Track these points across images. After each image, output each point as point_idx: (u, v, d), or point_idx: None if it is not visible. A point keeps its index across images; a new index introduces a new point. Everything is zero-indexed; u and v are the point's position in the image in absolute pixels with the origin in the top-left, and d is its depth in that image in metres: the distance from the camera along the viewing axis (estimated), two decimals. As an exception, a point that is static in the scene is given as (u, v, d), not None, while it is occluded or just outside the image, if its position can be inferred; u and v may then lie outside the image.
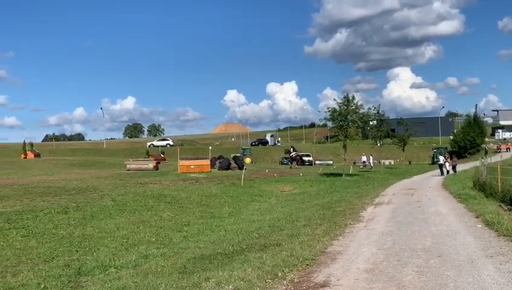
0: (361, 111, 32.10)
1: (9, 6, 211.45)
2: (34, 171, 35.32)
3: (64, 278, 7.03)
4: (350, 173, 34.94)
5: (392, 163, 59.45)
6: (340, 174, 32.43)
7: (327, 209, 13.83)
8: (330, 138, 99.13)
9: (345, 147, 32.90)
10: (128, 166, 39.18)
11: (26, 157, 57.96)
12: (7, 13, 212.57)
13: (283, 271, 6.46)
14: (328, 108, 32.08)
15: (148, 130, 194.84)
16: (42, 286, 6.63)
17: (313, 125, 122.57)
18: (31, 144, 68.08)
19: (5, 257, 8.73)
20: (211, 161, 38.62)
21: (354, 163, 51.49)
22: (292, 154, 51.22)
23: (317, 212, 13.42)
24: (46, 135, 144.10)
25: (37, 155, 60.28)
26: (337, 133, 42.93)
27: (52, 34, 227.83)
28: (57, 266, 7.99)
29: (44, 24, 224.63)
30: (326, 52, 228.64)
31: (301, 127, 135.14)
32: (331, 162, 59.67)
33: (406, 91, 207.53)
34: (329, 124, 36.64)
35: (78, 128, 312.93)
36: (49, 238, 10.49)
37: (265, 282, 5.98)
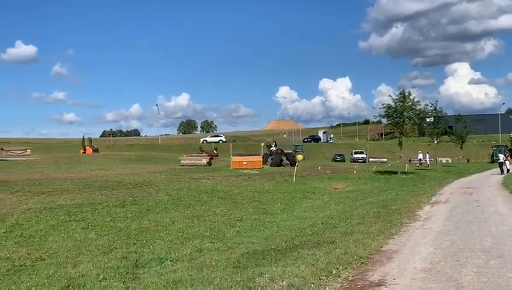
0: (418, 107, 31.25)
1: (68, 5, 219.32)
2: (92, 166, 36.47)
3: (122, 270, 7.22)
4: (405, 171, 34.18)
5: (450, 161, 57.71)
6: (395, 172, 31.78)
7: (382, 208, 13.59)
8: (385, 135, 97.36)
9: (400, 144, 32.22)
10: (182, 161, 39.82)
11: (85, 152, 59.83)
12: (67, 12, 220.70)
13: (337, 269, 6.40)
14: (383, 104, 31.49)
15: (201, 127, 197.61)
16: (101, 277, 6.83)
17: (367, 122, 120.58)
18: (90, 140, 70.15)
19: (65, 248, 9.05)
20: (263, 157, 38.72)
21: (410, 161, 50.28)
22: (273, 148, 51.71)
23: (371, 210, 13.21)
24: (104, 131, 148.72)
25: (96, 150, 62.10)
26: (392, 130, 42.14)
27: (110, 32, 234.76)
28: (115, 258, 8.20)
29: (102, 22, 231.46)
30: (381, 48, 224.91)
31: (354, 123, 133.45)
32: (385, 159, 58.51)
33: (464, 87, 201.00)
34: (384, 120, 35.92)
35: (134, 125, 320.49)
36: (107, 231, 10.81)
37: (320, 279, 5.94)
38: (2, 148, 58.74)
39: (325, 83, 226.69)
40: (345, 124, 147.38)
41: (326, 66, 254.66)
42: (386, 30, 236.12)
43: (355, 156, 61.46)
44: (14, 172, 28.48)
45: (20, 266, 7.66)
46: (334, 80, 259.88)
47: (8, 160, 42.35)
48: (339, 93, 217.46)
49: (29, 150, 59.88)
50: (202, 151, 60.06)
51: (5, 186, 19.78)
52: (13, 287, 6.39)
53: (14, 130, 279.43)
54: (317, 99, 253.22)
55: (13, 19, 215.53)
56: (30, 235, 10.05)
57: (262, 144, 41.87)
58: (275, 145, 54.70)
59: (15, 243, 9.41)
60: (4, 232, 10.23)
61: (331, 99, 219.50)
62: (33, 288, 6.34)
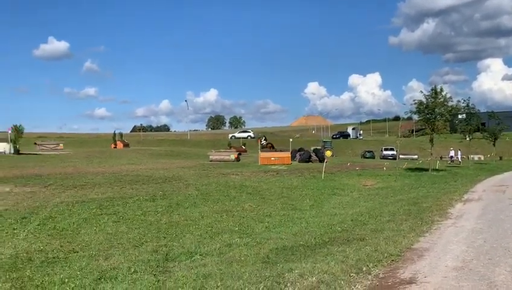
0: (450, 104, 30.68)
1: (99, 2, 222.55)
2: (123, 161, 37.00)
3: (152, 263, 7.30)
4: (437, 168, 33.64)
5: (482, 158, 56.60)
6: (425, 169, 31.32)
7: (412, 205, 13.42)
8: (416, 131, 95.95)
9: (431, 141, 31.68)
10: (211, 157, 40.08)
11: (116, 147, 60.70)
12: (98, 9, 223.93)
13: (367, 266, 6.34)
14: (414, 100, 30.99)
15: (229, 122, 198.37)
16: (132, 269, 6.91)
17: (397, 118, 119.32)
18: (121, 135, 71.18)
19: (97, 241, 9.19)
20: (291, 153, 38.64)
21: (441, 158, 49.44)
22: (263, 142, 55.14)
23: (402, 207, 13.05)
24: (134, 126, 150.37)
25: (126, 145, 62.95)
26: (423, 127, 41.54)
27: (140, 28, 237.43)
28: (145, 251, 8.30)
29: (132, 19, 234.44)
30: (412, 43, 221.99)
31: (385, 120, 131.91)
32: (416, 156, 57.63)
33: (497, 83, 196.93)
34: (415, 117, 35.39)
35: (163, 120, 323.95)
36: (138, 224, 10.94)
37: (350, 276, 5.90)
38: (35, 143, 60.07)
39: (354, 79, 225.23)
40: (374, 120, 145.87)
41: (355, 61, 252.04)
42: (417, 25, 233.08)
43: (385, 152, 60.78)
44: (47, 166, 29.11)
45: (54, 258, 7.81)
46: (364, 76, 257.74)
47: (41, 154, 43.30)
48: (369, 89, 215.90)
49: (61, 145, 61.12)
50: (231, 146, 60.23)
51: (39, 179, 20.25)
52: (47, 279, 6.52)
53: (47, 125, 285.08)
54: (346, 95, 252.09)
55: (46, 15, 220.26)
56: (63, 228, 10.24)
57: (291, 139, 41.71)
58: (265, 139, 59.13)
59: (48, 235, 9.59)
60: (38, 225, 10.44)
61: (360, 95, 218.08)
62: (66, 280, 6.45)
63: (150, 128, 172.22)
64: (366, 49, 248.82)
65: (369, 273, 6.04)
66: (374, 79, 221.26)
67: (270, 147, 56.49)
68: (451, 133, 48.26)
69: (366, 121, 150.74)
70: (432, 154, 33.46)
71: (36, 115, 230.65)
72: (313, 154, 40.77)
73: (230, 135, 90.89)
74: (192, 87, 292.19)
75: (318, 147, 51.13)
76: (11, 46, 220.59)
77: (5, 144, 40.81)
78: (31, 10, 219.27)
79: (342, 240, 8.63)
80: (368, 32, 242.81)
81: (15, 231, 9.82)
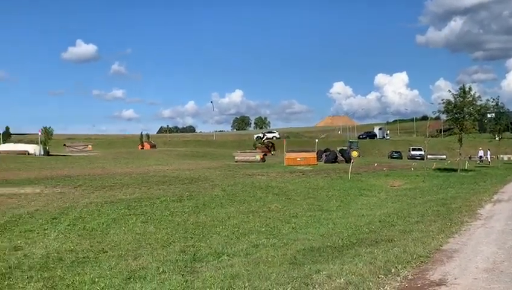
0: (479, 103, 30.14)
1: (126, 5, 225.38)
2: (150, 161, 37.41)
3: (180, 263, 7.35)
4: (466, 168, 33.11)
5: (512, 158, 55.58)
6: (454, 170, 30.84)
7: (441, 206, 13.22)
8: (444, 131, 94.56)
9: (460, 140, 31.20)
10: (236, 157, 40.25)
11: (143, 148, 61.52)
12: (126, 12, 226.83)
13: (396, 267, 6.27)
14: (442, 100, 30.54)
15: (254, 123, 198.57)
16: (161, 269, 6.97)
17: (424, 118, 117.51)
18: (148, 136, 72.16)
19: (126, 241, 9.29)
20: (317, 153, 38.50)
21: (470, 158, 48.68)
22: (264, 139, 58.65)
23: (430, 208, 12.88)
24: (161, 127, 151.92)
25: (153, 146, 63.71)
26: (451, 126, 40.91)
27: (166, 30, 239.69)
28: (173, 251, 8.36)
29: (158, 21, 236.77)
30: (439, 41, 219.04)
31: (412, 120, 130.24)
32: (444, 156, 56.87)
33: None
34: (443, 116, 34.88)
35: (189, 121, 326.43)
36: (165, 225, 11.03)
37: (378, 277, 5.84)
38: (65, 144, 61.20)
39: (380, 78, 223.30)
40: (401, 120, 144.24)
41: (382, 60, 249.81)
42: (444, 23, 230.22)
43: (413, 153, 60.18)
44: (76, 167, 29.64)
45: (84, 258, 7.92)
46: (391, 75, 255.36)
47: (70, 155, 44.07)
48: (396, 89, 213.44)
49: (90, 146, 62.14)
50: (256, 147, 60.34)
51: (68, 180, 20.61)
52: (77, 278, 6.62)
53: (76, 126, 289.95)
54: (372, 95, 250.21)
55: (74, 18, 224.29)
56: (92, 228, 10.39)
57: (317, 140, 41.56)
58: (267, 138, 61.59)
59: (78, 235, 9.75)
60: (68, 225, 10.62)
61: (387, 95, 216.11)
62: (96, 279, 6.54)
63: (176, 130, 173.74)
64: (393, 48, 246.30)
65: (398, 275, 5.97)
66: (400, 78, 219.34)
67: (271, 146, 58.51)
68: (480, 132, 47.46)
69: (393, 121, 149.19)
70: (460, 154, 32.97)
71: (65, 116, 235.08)
72: (339, 155, 40.59)
73: (255, 136, 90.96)
74: (217, 88, 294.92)
75: (344, 148, 50.90)
76: (41, 50, 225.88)
77: (36, 145, 41.72)
78: (59, 14, 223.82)
79: (369, 241, 8.55)
80: (394, 31, 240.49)
81: (46, 232, 10.00)
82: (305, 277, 6.00)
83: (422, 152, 56.47)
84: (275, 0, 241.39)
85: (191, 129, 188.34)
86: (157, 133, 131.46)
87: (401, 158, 60.10)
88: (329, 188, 19.58)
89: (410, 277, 5.94)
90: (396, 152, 64.27)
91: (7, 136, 68.91)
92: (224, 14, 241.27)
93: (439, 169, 32.38)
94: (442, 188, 19.94)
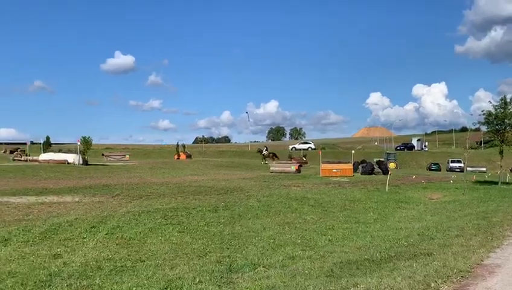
0: (521, 114, 29.28)
1: (163, 17, 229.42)
2: (185, 171, 37.75)
3: (216, 274, 7.34)
4: (507, 181, 32.16)
5: (556, 171, 53.71)
6: (495, 182, 30.01)
7: (482, 219, 12.85)
8: (484, 143, 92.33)
9: (501, 153, 30.36)
10: (271, 168, 40.18)
11: (179, 158, 62.07)
12: (162, 24, 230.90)
13: (436, 282, 6.11)
14: (482, 111, 29.83)
15: (290, 134, 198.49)
16: (197, 280, 6.98)
17: (464, 129, 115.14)
18: (184, 146, 72.74)
19: (163, 251, 9.35)
20: (353, 165, 38.12)
21: (511, 170, 47.29)
22: (264, 152, 58.77)
23: (470, 222, 12.53)
24: (196, 138, 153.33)
25: (189, 156, 64.22)
26: (492, 138, 39.89)
27: (201, 42, 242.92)
28: (209, 262, 8.36)
29: (194, 33, 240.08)
30: (479, 51, 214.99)
31: (451, 131, 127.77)
32: (484, 169, 55.49)
33: None
34: (484, 128, 34.04)
35: (224, 131, 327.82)
36: (201, 235, 11.06)
37: (417, 292, 5.71)
38: (103, 154, 62.39)
39: (418, 89, 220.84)
40: (440, 132, 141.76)
41: (420, 71, 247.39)
42: (484, 33, 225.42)
43: (452, 165, 59.01)
44: (114, 176, 30.14)
45: (121, 266, 8.00)
46: (429, 85, 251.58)
47: (108, 165, 44.88)
48: (434, 99, 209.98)
49: (127, 156, 63.15)
50: (291, 158, 60.15)
51: (106, 190, 20.98)
52: (116, 287, 6.69)
53: (114, 136, 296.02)
54: (410, 106, 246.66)
55: (113, 30, 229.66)
56: (130, 237, 10.51)
57: (353, 151, 41.16)
58: (266, 150, 60.98)
59: (116, 244, 9.87)
60: (106, 234, 10.77)
61: (425, 106, 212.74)
62: (134, 288, 6.59)
63: (211, 140, 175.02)
64: (431, 58, 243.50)
65: (438, 290, 5.83)
66: (439, 89, 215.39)
67: (273, 157, 58.37)
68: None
69: (432, 132, 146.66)
70: (501, 166, 32.07)
71: (103, 127, 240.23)
72: (376, 167, 40.03)
73: (290, 146, 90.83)
74: (252, 99, 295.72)
75: (381, 159, 50.23)
76: (80, 61, 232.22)
77: (75, 155, 42.57)
78: (98, 26, 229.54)
79: (408, 254, 8.37)
80: (432, 40, 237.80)
81: (85, 240, 10.17)
82: (343, 290, 5.91)
83: (461, 164, 55.23)
84: (311, 10, 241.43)
85: (226, 139, 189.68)
86: (192, 143, 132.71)
87: (440, 170, 59.00)
88: (366, 200, 19.31)
89: (450, 292, 5.79)
90: (435, 164, 63.16)
91: (47, 146, 70.73)
92: (258, 24, 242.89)
93: (479, 182, 31.57)
94: (482, 201, 19.40)
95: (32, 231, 10.89)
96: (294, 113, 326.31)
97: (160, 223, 12.31)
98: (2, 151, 67.00)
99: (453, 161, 61.23)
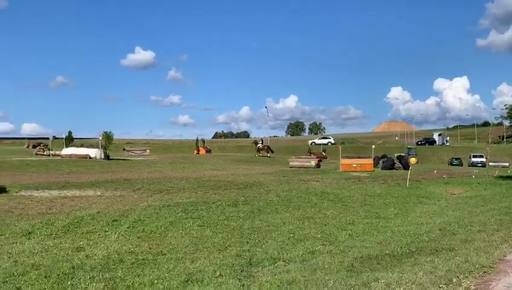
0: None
1: (182, 13, 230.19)
2: (205, 166, 37.92)
3: (237, 267, 7.38)
4: (530, 176, 31.65)
5: None
6: (518, 177, 29.57)
7: (505, 215, 12.67)
8: (506, 137, 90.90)
9: (524, 147, 29.91)
10: (291, 163, 40.14)
11: (198, 153, 62.38)
12: (181, 19, 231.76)
13: (458, 277, 6.05)
14: (504, 105, 29.56)
15: (309, 129, 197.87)
16: (218, 273, 7.03)
17: (486, 124, 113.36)
18: (203, 141, 73.03)
19: (184, 244, 9.42)
20: (373, 160, 37.87)
21: (535, 165, 46.57)
22: (259, 145, 60.85)
23: (493, 217, 12.36)
24: (216, 132, 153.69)
25: (208, 151, 64.49)
26: (515, 133, 39.38)
27: (220, 37, 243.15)
28: (230, 256, 8.41)
29: (212, 28, 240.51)
30: (501, 45, 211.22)
31: (473, 125, 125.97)
32: (507, 164, 54.64)
33: None
34: (506, 122, 33.62)
35: (243, 126, 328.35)
36: (221, 229, 11.11)
37: (439, 287, 5.65)
38: (124, 149, 63.01)
39: (440, 83, 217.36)
40: (462, 126, 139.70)
41: (441, 65, 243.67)
42: (507, 26, 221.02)
43: (474, 159, 58.33)
44: (135, 171, 30.43)
45: (143, 259, 8.08)
46: (450, 80, 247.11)
47: (129, 159, 45.29)
48: (456, 94, 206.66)
49: (148, 151, 63.64)
50: (310, 153, 60.04)
51: (127, 184, 21.20)
52: (137, 280, 6.77)
53: (134, 131, 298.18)
54: (431, 100, 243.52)
55: (133, 26, 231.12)
56: (151, 231, 10.60)
57: (373, 146, 40.87)
58: (262, 143, 63.72)
59: (138, 237, 9.97)
60: (128, 227, 10.89)
61: (446, 100, 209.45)
62: (155, 281, 6.67)
63: (230, 135, 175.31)
64: (453, 52, 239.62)
65: (460, 285, 5.76)
66: (461, 83, 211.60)
67: (267, 149, 59.86)
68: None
69: (453, 127, 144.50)
70: (525, 161, 31.58)
71: (124, 122, 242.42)
72: (396, 161, 39.72)
73: (310, 141, 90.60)
74: (271, 94, 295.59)
75: (402, 154, 49.83)
76: (101, 57, 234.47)
77: (96, 149, 42.98)
78: (119, 22, 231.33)
79: (429, 250, 8.31)
80: (454, 34, 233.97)
81: (107, 233, 10.30)
82: (363, 284, 5.89)
83: (483, 159, 54.52)
84: (328, 4, 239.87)
85: (245, 134, 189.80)
86: (212, 138, 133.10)
87: (462, 165, 58.36)
88: (387, 195, 19.18)
89: (472, 287, 5.72)
90: (456, 159, 62.49)
91: (70, 141, 71.65)
92: (277, 19, 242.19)
93: (501, 177, 31.08)
94: (505, 196, 19.11)
95: (55, 224, 11.06)
96: (314, 108, 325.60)
97: (180, 217, 12.39)
98: (25, 146, 67.98)
99: (474, 156, 60.52)
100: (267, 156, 56.89)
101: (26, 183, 20.73)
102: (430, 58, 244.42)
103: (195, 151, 64.00)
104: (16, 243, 9.19)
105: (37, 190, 18.22)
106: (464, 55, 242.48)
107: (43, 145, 55.21)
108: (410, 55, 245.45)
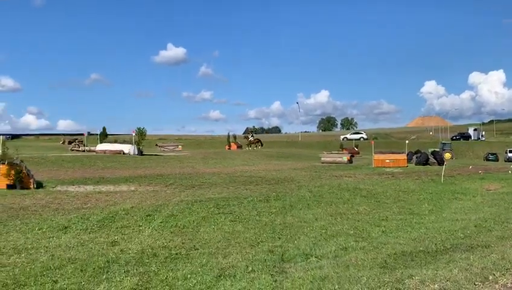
0: None
1: (214, 9, 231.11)
2: (237, 161, 38.08)
3: (269, 263, 7.39)
4: None
5: None
6: (557, 173, 28.70)
7: (543, 211, 12.37)
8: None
9: None
10: (322, 159, 39.92)
11: (230, 148, 62.71)
12: (213, 16, 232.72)
13: (494, 275, 5.94)
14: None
15: (341, 124, 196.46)
16: (250, 268, 7.06)
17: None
18: (234, 136, 73.36)
19: (216, 239, 9.49)
20: (407, 155, 37.33)
21: None
22: (250, 138, 62.55)
23: (531, 213, 12.08)
24: (247, 128, 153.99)
25: (239, 146, 64.70)
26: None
27: (251, 32, 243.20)
28: (262, 251, 8.41)
29: (243, 24, 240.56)
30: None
31: (509, 120, 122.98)
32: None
33: None
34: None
35: (274, 122, 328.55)
36: (253, 224, 11.15)
37: (474, 285, 5.56)
38: (157, 144, 63.83)
39: (475, 77, 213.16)
40: (498, 121, 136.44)
41: (476, 58, 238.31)
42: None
43: (510, 155, 56.99)
44: (167, 166, 30.80)
45: (176, 254, 8.17)
46: (486, 73, 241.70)
47: (162, 155, 45.85)
48: (491, 88, 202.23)
49: (180, 146, 64.31)
50: (343, 148, 59.60)
51: (160, 179, 21.48)
52: (171, 274, 6.85)
53: (167, 127, 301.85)
54: (466, 94, 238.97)
55: (165, 23, 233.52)
56: (184, 226, 10.72)
57: (407, 141, 40.27)
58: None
59: (171, 232, 10.09)
60: (161, 222, 11.04)
61: (482, 94, 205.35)
62: (188, 276, 6.73)
63: (261, 130, 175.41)
64: (488, 45, 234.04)
65: (496, 283, 5.66)
66: (497, 76, 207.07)
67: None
68: None
69: (489, 122, 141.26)
70: None
71: (156, 118, 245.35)
72: (430, 157, 39.01)
73: (342, 137, 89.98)
74: (303, 89, 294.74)
75: (436, 149, 48.91)
76: (134, 54, 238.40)
77: (130, 145, 43.61)
78: (151, 19, 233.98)
79: (465, 246, 8.17)
80: (490, 27, 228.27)
81: (141, 228, 10.46)
82: (397, 281, 5.83)
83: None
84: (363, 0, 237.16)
85: (276, 130, 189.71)
86: (243, 133, 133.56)
87: (498, 160, 57.06)
88: (421, 191, 18.89)
89: (509, 285, 5.62)
90: (492, 154, 61.14)
91: (104, 137, 72.90)
92: (310, 13, 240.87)
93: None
94: (543, 192, 18.63)
95: (90, 219, 11.30)
96: (346, 103, 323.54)
97: (212, 212, 12.50)
98: (61, 142, 69.44)
99: (511, 151, 59.13)
100: (258, 148, 60.71)
101: (62, 178, 21.22)
102: (465, 52, 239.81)
103: (227, 147, 64.38)
104: (53, 237, 9.43)
105: (73, 185, 18.64)
106: (500, 48, 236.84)
107: (78, 141, 56.31)
108: (444, 49, 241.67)
